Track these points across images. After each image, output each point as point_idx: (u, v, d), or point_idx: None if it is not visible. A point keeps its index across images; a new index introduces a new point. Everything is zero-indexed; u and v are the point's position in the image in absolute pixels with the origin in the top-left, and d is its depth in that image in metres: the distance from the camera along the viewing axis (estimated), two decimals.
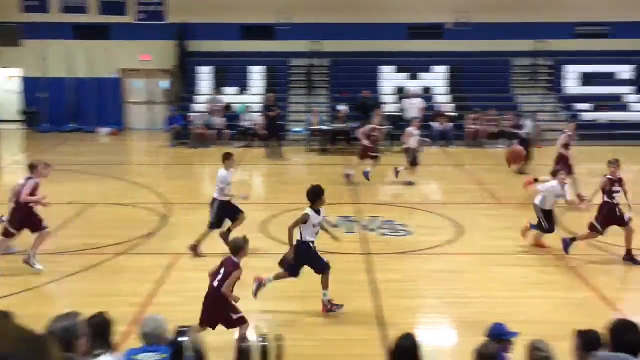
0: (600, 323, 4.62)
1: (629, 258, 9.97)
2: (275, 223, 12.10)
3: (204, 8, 23.55)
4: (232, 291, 6.92)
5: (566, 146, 14.13)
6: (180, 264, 10.06)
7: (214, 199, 10.26)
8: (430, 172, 17.82)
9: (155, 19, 24.14)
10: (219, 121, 21.63)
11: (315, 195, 8.30)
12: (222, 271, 6.92)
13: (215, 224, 10.24)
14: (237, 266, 6.89)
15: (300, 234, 8.15)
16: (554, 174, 10.31)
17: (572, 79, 23.65)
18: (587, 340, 4.61)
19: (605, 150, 19.68)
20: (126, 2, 24.13)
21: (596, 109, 22.45)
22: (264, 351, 5.26)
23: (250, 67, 23.91)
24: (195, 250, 10.26)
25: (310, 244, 8.20)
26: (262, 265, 10.15)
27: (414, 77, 23.57)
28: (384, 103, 22.53)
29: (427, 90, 23.18)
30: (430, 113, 21.44)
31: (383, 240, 11.39)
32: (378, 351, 7.14)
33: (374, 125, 16.05)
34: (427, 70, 23.72)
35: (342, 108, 21.99)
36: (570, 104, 22.83)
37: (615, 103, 22.78)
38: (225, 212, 10.31)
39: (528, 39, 23.31)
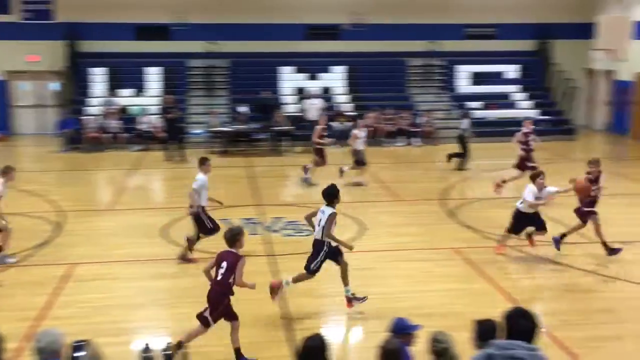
0: (497, 312, 4.80)
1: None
2: (177, 227, 11.84)
3: (95, 7, 22.72)
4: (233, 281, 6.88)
5: (524, 143, 14.53)
6: (77, 273, 9.64)
7: (200, 207, 10.00)
8: (332, 171, 18.01)
9: (42, 17, 23.02)
10: (114, 124, 20.92)
11: (333, 195, 8.33)
12: (223, 264, 6.83)
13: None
14: (238, 257, 6.87)
15: (329, 234, 8.20)
16: (533, 178, 10.09)
17: (463, 78, 24.61)
18: (484, 329, 4.78)
19: (496, 147, 20.69)
20: (9, 0, 22.87)
21: (486, 107, 23.47)
22: None
23: (146, 68, 23.29)
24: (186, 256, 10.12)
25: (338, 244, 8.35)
26: (165, 270, 9.93)
27: (313, 78, 23.76)
28: (284, 103, 22.59)
29: (326, 90, 23.41)
30: (330, 113, 21.66)
31: (287, 240, 11.39)
32: (285, 352, 7.12)
33: (323, 125, 16.04)
34: (325, 71, 23.97)
35: (243, 109, 21.84)
36: (463, 102, 23.74)
37: (503, 101, 23.90)
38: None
39: (422, 40, 24.05)
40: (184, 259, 10.11)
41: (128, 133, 20.89)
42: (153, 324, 8.20)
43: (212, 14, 23.30)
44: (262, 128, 20.70)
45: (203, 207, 10.05)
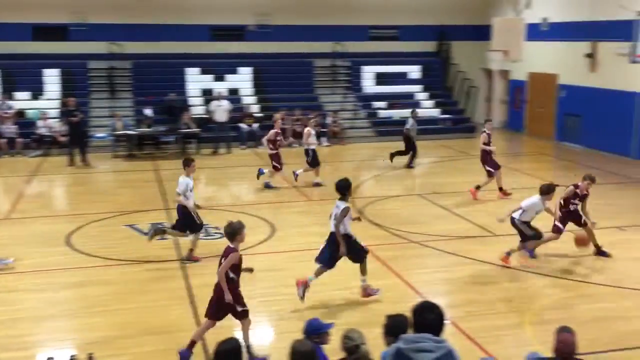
0: (406, 307, 4.97)
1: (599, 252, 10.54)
2: (82, 235, 11.47)
3: None
4: (236, 276, 7.04)
5: (487, 144, 14.66)
6: None
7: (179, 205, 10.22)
8: (240, 173, 17.95)
9: None
10: (9, 129, 19.95)
11: (346, 188, 8.68)
12: (222, 261, 6.97)
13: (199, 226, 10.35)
14: (233, 250, 6.94)
15: (337, 227, 8.48)
16: (547, 191, 9.98)
17: (368, 78, 25.12)
18: (394, 324, 4.93)
19: (401, 145, 21.22)
20: None
21: (390, 107, 24.07)
22: None
23: (44, 69, 22.33)
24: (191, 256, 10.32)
25: (352, 235, 8.59)
26: (74, 280, 9.64)
27: (219, 79, 23.55)
28: (191, 105, 22.28)
29: (233, 91, 23.28)
30: (238, 114, 21.57)
31: (198, 244, 11.24)
32: (200, 357, 7.07)
33: (277, 130, 15.80)
34: (232, 72, 23.82)
35: (148, 111, 21.38)
36: (368, 102, 24.25)
37: (407, 101, 24.57)
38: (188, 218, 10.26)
39: (327, 41, 24.36)
40: (190, 259, 10.30)
41: (25, 138, 19.97)
42: (60, 335, 7.93)
43: (113, 14, 22.65)
44: (168, 131, 20.33)
45: (191, 207, 10.26)
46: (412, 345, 3.97)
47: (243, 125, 21.43)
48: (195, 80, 23.44)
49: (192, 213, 10.28)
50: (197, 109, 22.15)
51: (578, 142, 20.77)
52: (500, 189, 14.43)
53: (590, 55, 20.12)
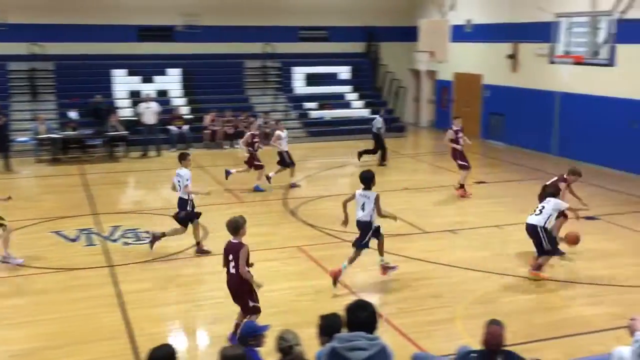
0: (341, 305, 5.03)
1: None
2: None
3: None
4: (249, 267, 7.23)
5: (454, 141, 14.72)
6: None
7: (181, 198, 10.60)
8: (171, 176, 17.67)
9: None
10: None
11: (370, 179, 9.22)
12: (231, 257, 7.16)
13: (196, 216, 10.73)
14: (241, 245, 7.13)
15: (370, 213, 9.10)
16: (554, 193, 9.77)
17: (298, 79, 25.20)
18: (328, 324, 4.99)
19: (332, 145, 21.43)
20: None
21: (321, 107, 24.23)
22: None
23: None
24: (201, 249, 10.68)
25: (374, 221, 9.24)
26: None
27: (148, 80, 23.10)
28: (119, 108, 21.78)
29: (162, 93, 22.90)
30: (167, 116, 21.23)
31: (127, 249, 11.05)
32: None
33: (252, 132, 15.55)
34: (161, 73, 23.42)
35: (73, 114, 20.77)
36: (299, 103, 24.32)
37: (338, 101, 24.81)
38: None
39: (257, 42, 24.30)
40: (202, 251, 10.67)
41: None
42: None
43: (34, 14, 21.88)
44: (94, 134, 19.81)
45: (191, 199, 10.67)
46: (346, 344, 4.03)
47: (173, 128, 21.10)
48: (122, 82, 22.92)
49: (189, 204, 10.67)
50: (125, 111, 21.67)
51: (502, 140, 21.47)
52: (462, 186, 14.71)
53: (511, 56, 20.85)
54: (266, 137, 21.92)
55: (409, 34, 24.57)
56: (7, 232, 10.17)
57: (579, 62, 16.05)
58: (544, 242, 9.44)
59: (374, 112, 24.52)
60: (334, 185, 16.02)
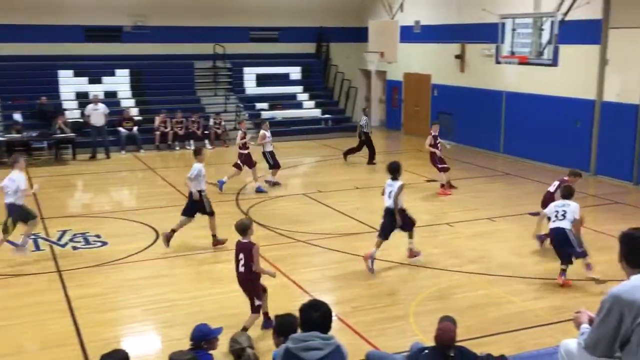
0: (295, 306, 5.06)
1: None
2: None
3: None
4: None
5: (433, 146, 14.98)
6: None
7: (200, 191, 11.00)
8: (121, 178, 17.43)
9: None
10: None
11: (397, 169, 10.08)
12: (241, 256, 7.40)
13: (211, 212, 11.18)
14: (252, 244, 7.42)
15: (396, 201, 9.85)
16: (571, 194, 9.60)
17: (250, 80, 25.10)
18: (282, 324, 5.01)
19: (284, 146, 21.40)
20: None
21: (272, 108, 24.19)
22: None
23: None
24: (218, 241, 11.07)
25: (405, 209, 10.14)
26: None
27: (95, 82, 22.64)
28: (65, 109, 21.30)
29: (111, 94, 22.49)
30: (116, 118, 20.88)
31: (76, 254, 10.83)
32: None
33: (243, 130, 15.69)
34: (109, 74, 22.99)
35: (17, 116, 20.23)
36: (251, 104, 24.23)
37: (290, 102, 24.82)
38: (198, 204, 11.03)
39: (208, 43, 24.10)
40: (218, 243, 11.05)
41: None
42: None
43: None
44: (40, 136, 19.34)
45: (202, 191, 11.08)
46: (300, 344, 4.05)
47: (122, 129, 20.77)
48: (69, 83, 22.42)
49: (203, 199, 11.10)
50: (72, 113, 21.21)
51: (451, 139, 21.80)
52: (443, 185, 15.03)
53: (459, 57, 21.24)
54: (217, 138, 21.83)
55: (359, 35, 24.75)
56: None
57: (523, 62, 16.43)
58: (574, 244, 9.28)
59: (325, 112, 24.68)
60: (286, 186, 16.02)
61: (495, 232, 12.14)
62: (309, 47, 26.44)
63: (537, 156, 18.32)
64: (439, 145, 15.10)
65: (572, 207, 9.47)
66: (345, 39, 26.29)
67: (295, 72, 25.79)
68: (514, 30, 16.39)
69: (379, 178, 16.42)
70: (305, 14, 25.55)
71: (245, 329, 7.29)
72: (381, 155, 18.46)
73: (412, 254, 10.41)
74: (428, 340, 6.29)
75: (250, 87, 25.00)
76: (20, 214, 10.47)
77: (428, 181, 16.11)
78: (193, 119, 21.58)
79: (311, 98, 25.33)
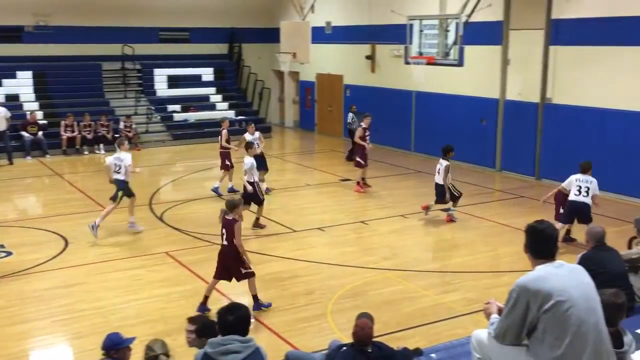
0: (213, 309, 5.01)
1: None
2: None
3: None
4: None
5: (362, 138, 14.89)
6: None
7: (253, 182, 11.91)
8: (26, 185, 16.70)
9: None
10: None
11: (448, 151, 12.57)
12: (224, 231, 8.12)
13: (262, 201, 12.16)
14: (234, 221, 8.09)
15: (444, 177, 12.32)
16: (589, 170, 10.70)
17: (161, 81, 24.60)
18: (200, 327, 4.95)
19: (198, 148, 21.18)
20: None
21: (184, 110, 23.82)
22: None
23: None
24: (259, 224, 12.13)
25: (449, 185, 12.52)
26: None
27: None
28: None
29: (13, 97, 21.46)
30: (19, 122, 19.96)
31: None
32: None
33: (227, 128, 15.64)
34: (10, 76, 21.94)
35: None
36: (162, 106, 23.76)
37: (201, 103, 24.49)
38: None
39: (116, 43, 23.42)
40: (259, 225, 12.16)
41: None
42: None
43: None
44: None
45: (255, 182, 11.94)
46: (219, 348, 4.02)
47: (26, 134, 19.87)
48: None
49: (256, 188, 11.90)
50: None
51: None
52: (359, 183, 15.20)
53: (370, 57, 21.63)
54: (128, 141, 21.23)
55: (271, 36, 24.75)
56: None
57: (431, 63, 16.92)
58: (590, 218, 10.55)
59: (238, 114, 24.51)
60: (201, 188, 15.81)
61: (408, 228, 12.44)
62: (221, 48, 26.21)
63: None
64: (368, 138, 15.20)
65: (594, 184, 10.61)
66: (258, 40, 26.24)
67: (207, 74, 25.48)
68: (421, 31, 16.83)
69: (296, 179, 16.54)
70: (216, 15, 25.30)
71: (255, 296, 8.35)
72: (294, 155, 18.53)
73: (449, 218, 12.57)
74: (346, 338, 6.37)
75: (162, 88, 24.50)
76: (126, 189, 11.84)
77: (342, 180, 16.31)
78: (102, 122, 20.93)
79: (224, 99, 25.11)
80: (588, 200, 10.57)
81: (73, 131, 20.37)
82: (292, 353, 6.33)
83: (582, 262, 6.01)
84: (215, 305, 5.07)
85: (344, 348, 5.42)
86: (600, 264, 6.26)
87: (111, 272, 10.03)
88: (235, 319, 4.13)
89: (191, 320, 5.20)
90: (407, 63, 17.83)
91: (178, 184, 16.60)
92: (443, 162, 12.44)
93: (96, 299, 8.91)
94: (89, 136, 20.61)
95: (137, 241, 11.55)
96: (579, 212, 10.66)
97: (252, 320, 8.02)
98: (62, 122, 20.42)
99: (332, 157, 20.51)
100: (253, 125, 15.80)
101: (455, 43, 15.98)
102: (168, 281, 9.64)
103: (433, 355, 5.89)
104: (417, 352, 6.15)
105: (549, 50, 15.78)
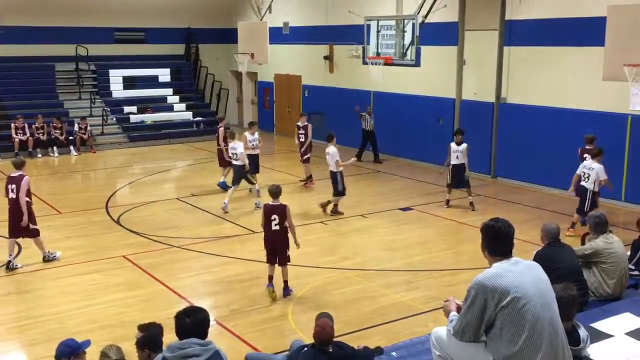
0: (172, 313, 4.94)
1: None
2: None
3: None
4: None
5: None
6: None
7: (333, 172, 13.04)
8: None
9: None
10: None
11: (461, 133, 13.60)
12: (274, 217, 8.81)
13: (342, 191, 13.07)
14: (284, 205, 8.90)
15: (463, 161, 13.35)
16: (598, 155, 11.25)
17: (116, 82, 24.21)
18: (146, 337, 4.87)
19: (155, 150, 20.93)
20: None
21: (141, 111, 23.50)
22: None
23: None
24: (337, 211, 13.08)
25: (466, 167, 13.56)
26: None
27: None
28: None
29: None
30: None
31: None
32: None
33: (225, 127, 15.75)
34: None
35: None
36: (119, 107, 23.40)
37: (160, 104, 24.20)
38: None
39: (69, 44, 22.96)
40: (336, 212, 13.09)
41: None
42: None
43: None
44: None
45: (340, 172, 12.96)
46: (178, 352, 3.97)
47: None
48: None
49: (338, 178, 12.90)
50: None
51: (324, 139, 22.20)
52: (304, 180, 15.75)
53: (328, 58, 21.68)
54: (83, 143, 20.86)
55: (228, 36, 24.61)
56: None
57: (388, 63, 17.04)
58: (587, 203, 11.17)
59: (196, 115, 24.30)
60: (159, 191, 15.63)
61: (367, 228, 12.51)
62: (177, 49, 25.93)
63: (404, 154, 19.07)
64: (300, 135, 16.09)
65: (595, 170, 11.19)
66: (215, 40, 26.06)
67: (164, 74, 25.18)
68: (378, 32, 16.95)
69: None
70: (173, 15, 25.02)
71: (286, 282, 8.96)
72: None
73: (472, 206, 13.51)
74: (307, 338, 6.37)
75: (117, 90, 24.12)
76: (240, 172, 13.65)
77: (302, 181, 16.31)
78: (54, 124, 20.47)
79: (182, 100, 24.87)
80: (589, 185, 11.23)
81: (25, 134, 19.88)
82: (252, 355, 6.30)
83: (537, 259, 6.12)
84: (173, 309, 5.03)
85: (305, 349, 5.42)
86: (555, 260, 6.39)
87: (67, 277, 9.83)
88: (193, 322, 4.08)
89: (142, 328, 5.12)
90: (365, 63, 17.94)
91: (135, 187, 16.35)
92: (462, 147, 13.36)
93: (52, 305, 8.72)
94: (43, 138, 20.15)
95: (93, 245, 11.34)
96: (582, 198, 11.37)
97: (213, 323, 7.96)
98: (13, 125, 19.91)
99: (292, 157, 20.47)
100: (256, 125, 16.29)
101: (412, 43, 16.14)
102: (126, 285, 9.49)
103: (394, 353, 5.93)
104: (378, 350, 6.18)
105: (504, 51, 16.07)
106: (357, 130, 20.49)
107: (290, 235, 9.00)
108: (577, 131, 14.32)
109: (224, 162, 15.16)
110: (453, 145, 13.39)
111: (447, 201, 13.74)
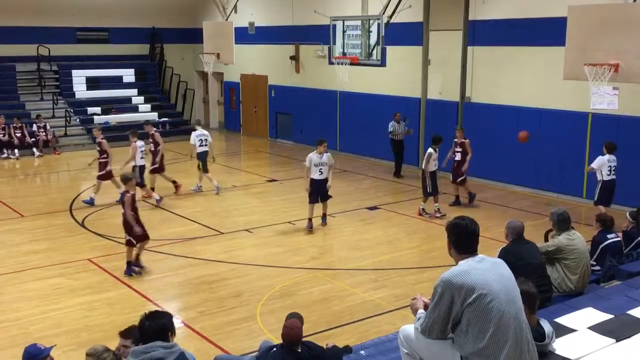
0: (136, 317, 4.89)
1: None
2: None
3: None
4: None
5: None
6: None
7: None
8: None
9: None
10: None
11: (436, 141, 13.35)
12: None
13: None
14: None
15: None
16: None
17: (79, 83, 23.83)
18: (136, 335, 4.82)
19: (120, 151, 20.60)
20: None
21: (105, 112, 23.17)
22: None
23: None
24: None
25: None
26: None
27: None
28: None
29: None
30: None
31: None
32: None
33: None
34: None
35: None
36: (82, 108, 23.04)
37: (124, 105, 23.90)
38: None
39: (31, 44, 22.53)
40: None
41: None
42: None
43: None
44: None
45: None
46: (142, 356, 3.93)
47: None
48: None
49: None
50: None
51: (290, 139, 22.22)
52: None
53: (294, 58, 21.66)
54: (46, 145, 20.49)
55: (193, 36, 24.39)
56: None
57: (354, 63, 17.09)
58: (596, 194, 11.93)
59: (162, 115, 24.06)
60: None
61: (335, 227, 12.53)
62: (142, 49, 25.64)
63: (371, 153, 19.16)
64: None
65: (596, 162, 11.81)
66: (180, 40, 25.83)
67: (128, 75, 24.87)
68: (344, 32, 16.98)
69: (222, 180, 16.36)
70: (137, 14, 24.73)
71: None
72: (220, 157, 18.27)
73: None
74: (276, 339, 6.36)
75: (80, 90, 23.75)
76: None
77: (269, 181, 16.28)
78: (15, 124, 20.05)
79: (147, 101, 24.60)
80: (609, 177, 11.80)
81: None
82: (221, 357, 6.27)
83: (502, 256, 6.20)
84: (137, 312, 4.97)
85: (274, 349, 5.41)
86: (519, 256, 6.48)
87: (30, 282, 9.64)
88: (154, 326, 4.05)
89: (124, 334, 5.05)
90: (331, 63, 17.94)
91: (100, 189, 16.10)
92: (429, 150, 13.23)
93: (14, 310, 8.55)
94: (4, 139, 19.74)
95: (57, 248, 11.15)
96: (612, 191, 11.83)
97: (181, 325, 7.90)
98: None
99: (258, 158, 20.43)
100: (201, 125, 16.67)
101: (377, 43, 16.21)
102: (91, 288, 9.35)
103: (362, 352, 5.94)
104: (347, 349, 6.19)
105: (468, 51, 16.25)
106: (327, 130, 20.55)
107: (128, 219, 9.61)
108: (537, 130, 14.57)
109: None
110: (433, 152, 13.13)
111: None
